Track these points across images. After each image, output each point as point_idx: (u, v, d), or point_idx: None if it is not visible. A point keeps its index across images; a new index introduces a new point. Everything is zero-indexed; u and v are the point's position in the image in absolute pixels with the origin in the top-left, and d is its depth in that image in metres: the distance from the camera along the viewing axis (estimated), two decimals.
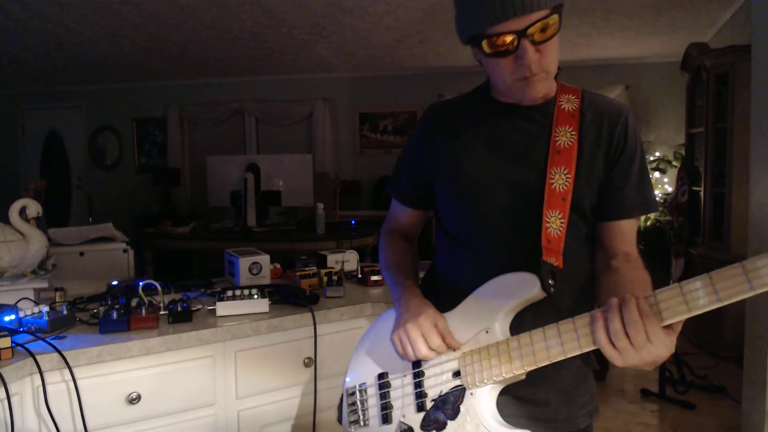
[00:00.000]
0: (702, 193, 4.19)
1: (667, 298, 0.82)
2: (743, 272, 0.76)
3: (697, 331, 3.96)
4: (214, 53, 5.60)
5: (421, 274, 1.26)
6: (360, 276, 2.06)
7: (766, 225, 2.30)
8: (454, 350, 1.02)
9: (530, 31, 0.92)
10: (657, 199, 5.29)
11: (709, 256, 3.97)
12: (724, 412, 3.01)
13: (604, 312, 0.84)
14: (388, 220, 1.31)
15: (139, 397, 1.43)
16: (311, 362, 1.66)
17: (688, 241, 4.41)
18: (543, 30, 0.93)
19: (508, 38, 0.93)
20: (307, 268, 1.98)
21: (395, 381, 1.09)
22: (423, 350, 1.01)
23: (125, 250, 2.69)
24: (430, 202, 1.21)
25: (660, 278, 4.67)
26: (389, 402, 1.09)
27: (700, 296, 0.79)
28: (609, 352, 0.83)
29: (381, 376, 1.11)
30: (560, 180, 1.02)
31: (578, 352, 0.89)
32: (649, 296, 0.84)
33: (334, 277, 1.86)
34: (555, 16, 0.93)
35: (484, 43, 0.96)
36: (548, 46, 0.95)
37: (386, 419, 1.08)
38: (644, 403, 3.13)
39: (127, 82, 7.10)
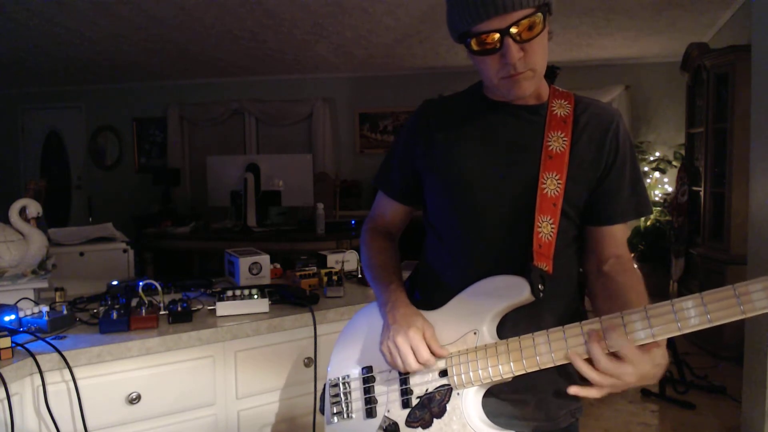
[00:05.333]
0: (702, 193, 4.19)
1: (658, 314, 0.84)
2: (735, 295, 0.78)
3: (697, 332, 3.95)
4: (214, 53, 5.60)
5: (406, 274, 1.25)
6: (360, 276, 2.06)
7: (766, 225, 2.30)
8: (443, 358, 1.03)
9: (513, 29, 0.93)
10: (657, 199, 5.33)
11: (709, 256, 3.97)
12: (724, 412, 3.01)
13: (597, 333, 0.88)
14: (371, 217, 1.30)
15: (139, 397, 1.43)
16: (311, 362, 1.66)
17: (688, 241, 4.41)
18: (527, 29, 0.94)
19: (493, 37, 0.95)
20: (307, 268, 1.98)
21: (380, 376, 1.10)
22: (413, 365, 1.01)
23: (125, 250, 2.69)
24: (418, 198, 1.21)
25: (660, 278, 4.64)
26: (374, 396, 1.09)
27: (692, 316, 0.82)
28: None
29: (365, 369, 1.12)
30: (552, 185, 1.03)
31: (567, 361, 0.91)
32: (641, 311, 0.86)
33: (334, 277, 1.86)
34: (539, 15, 0.94)
35: (472, 42, 0.97)
36: (534, 45, 0.96)
37: (371, 413, 1.09)
38: (644, 403, 3.13)
39: (127, 82, 7.10)
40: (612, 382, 0.87)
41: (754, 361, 2.40)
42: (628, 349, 0.85)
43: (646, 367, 0.86)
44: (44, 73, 6.49)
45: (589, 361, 0.88)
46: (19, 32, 4.73)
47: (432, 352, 1.01)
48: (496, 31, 0.94)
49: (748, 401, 2.49)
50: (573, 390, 0.90)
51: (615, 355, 0.86)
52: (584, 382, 0.90)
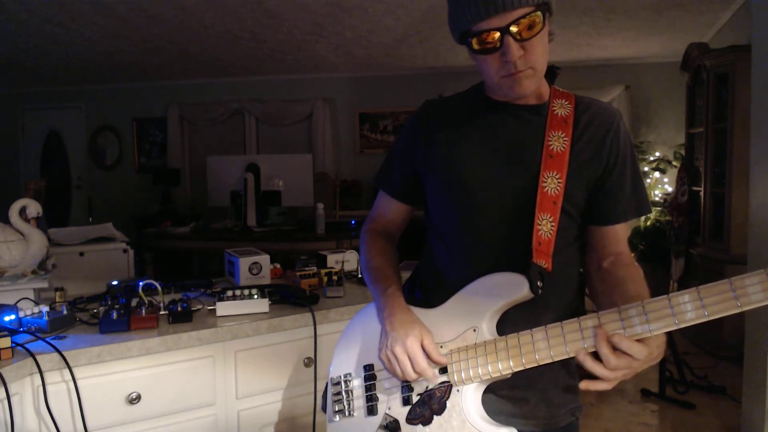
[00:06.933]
0: (702, 193, 4.19)
1: (655, 309, 0.85)
2: (731, 289, 0.78)
3: (697, 331, 3.96)
4: (214, 53, 5.60)
5: (407, 274, 1.26)
6: (360, 276, 2.06)
7: (766, 225, 2.30)
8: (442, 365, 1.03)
9: (513, 27, 0.94)
10: (657, 199, 5.33)
11: (709, 256, 3.97)
12: (724, 412, 3.01)
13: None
14: (371, 216, 1.30)
15: (139, 397, 1.43)
16: (311, 362, 1.66)
17: (688, 241, 4.41)
18: (527, 27, 0.95)
19: (493, 35, 0.95)
20: (307, 268, 1.98)
21: (381, 373, 1.10)
22: (412, 375, 1.02)
23: (125, 250, 2.69)
24: (418, 197, 1.21)
25: (660, 278, 4.63)
26: (375, 394, 1.10)
27: (689, 310, 0.82)
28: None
29: (366, 368, 1.13)
30: (552, 184, 1.03)
31: (565, 357, 0.91)
32: (638, 305, 0.86)
33: (334, 277, 1.86)
34: (539, 14, 0.95)
35: (473, 41, 0.98)
36: (534, 44, 0.96)
37: (372, 411, 1.10)
38: (644, 403, 3.13)
39: (127, 82, 7.10)
40: (621, 375, 0.87)
41: (754, 361, 2.40)
42: (635, 348, 0.85)
43: (652, 353, 0.86)
44: (44, 73, 6.49)
45: (595, 355, 0.88)
46: (19, 32, 4.73)
47: (431, 360, 1.02)
48: (496, 29, 0.95)
49: (748, 401, 2.49)
50: (583, 385, 0.90)
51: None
52: (585, 377, 0.90)
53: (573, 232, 1.09)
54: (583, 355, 0.88)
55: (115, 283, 1.80)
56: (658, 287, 4.97)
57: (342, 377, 1.16)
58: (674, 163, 5.48)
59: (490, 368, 0.97)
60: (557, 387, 1.09)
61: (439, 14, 4.31)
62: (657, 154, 5.70)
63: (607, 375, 0.87)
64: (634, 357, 0.85)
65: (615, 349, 0.86)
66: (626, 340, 0.85)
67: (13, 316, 1.45)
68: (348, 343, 1.19)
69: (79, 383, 1.34)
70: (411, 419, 1.04)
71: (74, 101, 7.35)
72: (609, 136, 1.07)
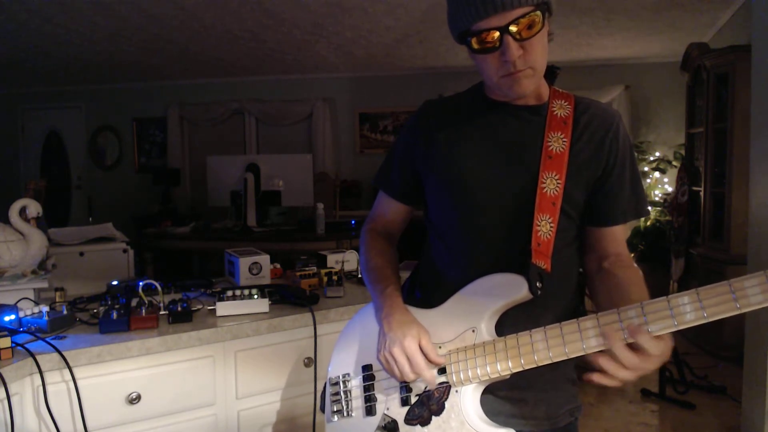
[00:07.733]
0: (702, 193, 4.19)
1: (654, 310, 0.84)
2: (730, 291, 0.78)
3: (698, 332, 3.96)
4: (214, 53, 5.60)
5: (407, 274, 1.26)
6: (360, 276, 2.06)
7: (766, 225, 2.30)
8: (439, 366, 1.03)
9: (512, 27, 0.94)
10: (657, 199, 5.33)
11: (709, 256, 3.97)
12: (724, 412, 3.01)
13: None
14: (371, 217, 1.30)
15: (139, 397, 1.43)
16: (311, 362, 1.66)
17: (688, 241, 4.41)
18: (527, 27, 0.95)
19: (493, 35, 0.95)
20: (307, 268, 1.98)
21: (379, 374, 1.10)
22: (411, 376, 1.02)
23: (125, 250, 2.69)
24: (418, 197, 1.21)
25: (660, 278, 4.62)
26: (373, 394, 1.10)
27: (688, 311, 0.82)
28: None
29: (365, 368, 1.13)
30: (551, 185, 1.03)
31: (564, 358, 0.91)
32: (637, 306, 0.86)
33: (334, 277, 1.86)
34: (538, 14, 0.95)
35: (472, 40, 0.98)
36: (533, 43, 0.96)
37: (370, 411, 1.10)
38: (644, 403, 3.13)
39: (127, 82, 7.10)
40: (635, 375, 0.86)
41: (754, 361, 2.40)
42: (654, 346, 0.83)
43: (665, 353, 0.85)
44: (44, 73, 6.49)
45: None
46: (19, 32, 4.73)
47: (429, 360, 1.02)
48: (495, 29, 0.95)
49: (748, 401, 2.49)
50: (589, 377, 0.87)
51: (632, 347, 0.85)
52: (581, 380, 0.90)
53: (572, 233, 1.09)
54: (595, 356, 0.86)
55: (115, 283, 1.80)
56: (658, 287, 4.96)
57: (340, 377, 1.16)
58: (674, 163, 5.48)
59: (489, 369, 0.97)
60: (556, 388, 1.09)
61: (439, 14, 4.31)
62: (657, 154, 5.70)
63: (623, 374, 0.85)
64: (650, 353, 0.83)
65: (631, 346, 0.84)
66: (648, 336, 0.83)
67: (13, 316, 1.45)
68: (347, 343, 1.19)
69: (79, 383, 1.34)
70: (409, 420, 1.04)
71: (74, 101, 7.35)
72: (608, 137, 1.07)
